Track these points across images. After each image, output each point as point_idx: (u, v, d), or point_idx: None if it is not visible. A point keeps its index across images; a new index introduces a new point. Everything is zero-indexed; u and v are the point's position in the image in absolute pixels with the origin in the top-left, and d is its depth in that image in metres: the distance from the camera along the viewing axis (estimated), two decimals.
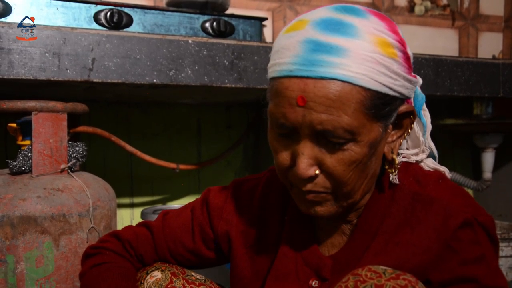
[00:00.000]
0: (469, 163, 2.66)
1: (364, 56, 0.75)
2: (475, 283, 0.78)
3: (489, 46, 2.80)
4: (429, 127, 0.94)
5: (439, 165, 0.94)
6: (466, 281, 0.79)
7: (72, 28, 1.31)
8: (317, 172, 0.80)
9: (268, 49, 1.53)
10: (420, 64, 1.71)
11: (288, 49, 0.78)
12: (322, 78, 0.75)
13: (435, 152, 0.96)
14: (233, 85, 1.49)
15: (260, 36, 1.87)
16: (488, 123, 2.06)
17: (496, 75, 1.88)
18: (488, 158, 2.30)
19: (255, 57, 1.51)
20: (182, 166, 1.99)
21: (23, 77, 1.26)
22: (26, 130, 1.38)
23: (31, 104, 1.32)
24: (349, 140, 0.78)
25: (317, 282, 0.89)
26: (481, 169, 2.31)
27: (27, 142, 1.38)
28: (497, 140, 2.28)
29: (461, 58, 1.84)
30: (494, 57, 2.54)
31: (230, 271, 1.02)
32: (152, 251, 1.05)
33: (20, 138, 1.41)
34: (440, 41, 2.70)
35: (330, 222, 0.92)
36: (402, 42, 0.81)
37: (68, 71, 1.31)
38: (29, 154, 1.34)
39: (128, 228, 1.09)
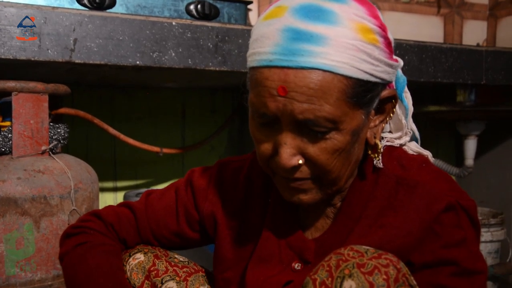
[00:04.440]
0: (452, 150, 2.69)
1: (345, 44, 0.74)
2: (455, 265, 0.79)
3: (474, 34, 2.81)
4: (411, 109, 0.94)
5: (422, 148, 0.95)
6: (446, 263, 0.80)
7: (53, 8, 1.29)
8: (300, 162, 0.80)
9: None
10: (404, 50, 1.72)
11: (267, 38, 0.76)
12: (302, 68, 0.74)
13: (417, 134, 0.96)
14: (217, 68, 1.48)
15: (245, 19, 1.86)
16: (471, 110, 2.08)
17: (480, 62, 1.89)
18: (471, 145, 2.32)
19: (240, 41, 1.50)
20: (165, 150, 1.98)
21: (2, 57, 1.24)
22: (6, 111, 1.36)
23: (11, 84, 1.30)
24: (331, 129, 0.77)
25: (300, 265, 0.90)
26: (464, 156, 2.34)
27: (7, 123, 1.37)
28: (480, 128, 2.30)
29: (445, 44, 1.85)
30: (478, 45, 2.56)
31: (214, 253, 1.02)
32: (135, 234, 1.04)
33: (0, 119, 1.39)
34: (425, 29, 2.71)
35: (314, 205, 0.91)
36: (383, 27, 0.80)
37: (49, 51, 1.29)
38: (9, 135, 1.32)
39: (109, 208, 1.07)
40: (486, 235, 2.11)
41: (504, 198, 2.42)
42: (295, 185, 0.83)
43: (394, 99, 0.85)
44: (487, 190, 2.48)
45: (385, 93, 0.83)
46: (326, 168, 0.80)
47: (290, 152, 0.79)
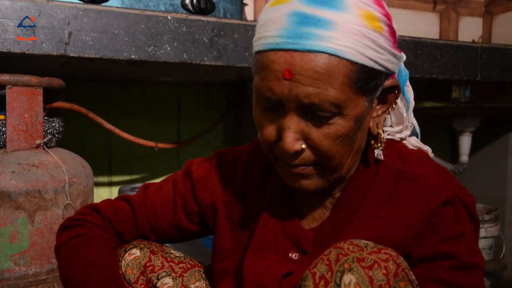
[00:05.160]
0: (447, 146, 2.70)
1: (351, 29, 0.75)
2: (454, 259, 0.80)
3: (469, 30, 2.82)
4: (412, 103, 0.94)
5: (422, 144, 0.95)
6: (445, 257, 0.80)
7: (48, 1, 1.28)
8: (303, 146, 0.80)
9: (248, 27, 1.51)
10: (400, 46, 1.70)
11: (274, 22, 0.77)
12: (309, 51, 0.74)
13: (417, 128, 0.97)
14: (212, 63, 1.48)
15: (241, 14, 1.85)
16: (466, 107, 2.09)
17: (475, 58, 1.90)
18: (465, 142, 2.33)
19: (235, 35, 1.50)
20: (161, 145, 1.97)
21: None
22: (0, 105, 1.35)
23: (5, 78, 1.29)
24: (335, 114, 0.77)
25: (297, 254, 0.90)
26: (458, 152, 2.35)
27: (1, 116, 1.36)
28: (474, 124, 2.31)
29: (440, 40, 1.85)
30: (473, 42, 2.56)
31: (212, 242, 1.01)
32: (133, 228, 1.04)
33: None
34: (421, 25, 2.71)
35: (312, 195, 0.91)
36: (388, 16, 0.81)
37: (44, 44, 1.28)
38: (3, 129, 1.31)
39: (107, 202, 1.06)
40: (480, 231, 2.12)
41: (498, 195, 2.43)
42: (297, 171, 0.83)
43: (397, 89, 0.86)
44: (482, 186, 2.49)
45: (388, 82, 0.84)
46: (329, 154, 0.80)
47: (293, 137, 0.79)
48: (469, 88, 2.03)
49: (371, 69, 0.78)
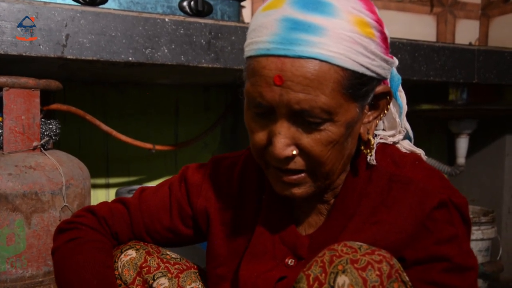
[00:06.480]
0: (444, 149, 2.70)
1: (342, 35, 0.75)
2: (447, 261, 0.80)
3: (466, 33, 2.83)
4: (405, 108, 0.94)
5: (415, 147, 0.95)
6: (439, 260, 0.80)
7: (45, 3, 1.28)
8: (294, 152, 0.80)
9: (246, 30, 1.51)
10: (397, 49, 1.72)
11: (265, 28, 0.77)
12: (300, 57, 0.74)
13: (411, 133, 0.97)
14: (209, 65, 1.48)
15: (238, 16, 1.86)
16: (463, 109, 2.10)
17: (471, 61, 1.90)
18: (462, 144, 2.33)
19: (233, 37, 1.50)
20: (158, 147, 1.98)
21: None
22: None
23: (2, 80, 1.30)
24: (326, 120, 0.78)
25: (293, 260, 0.90)
26: (455, 154, 2.35)
27: None
28: (472, 126, 2.31)
29: (437, 43, 1.86)
30: (470, 44, 2.57)
31: (207, 248, 1.02)
32: (128, 229, 1.04)
33: None
34: (418, 27, 2.72)
35: (307, 202, 0.92)
36: (379, 22, 0.81)
37: (41, 46, 1.28)
38: (0, 131, 1.31)
39: (104, 204, 1.07)
40: (477, 233, 2.12)
41: (495, 197, 2.44)
42: (288, 180, 0.83)
43: (388, 95, 0.86)
44: (479, 188, 2.49)
45: (379, 88, 0.84)
46: (320, 160, 0.80)
47: (284, 142, 0.79)
48: (466, 91, 2.04)
49: (362, 75, 0.78)
